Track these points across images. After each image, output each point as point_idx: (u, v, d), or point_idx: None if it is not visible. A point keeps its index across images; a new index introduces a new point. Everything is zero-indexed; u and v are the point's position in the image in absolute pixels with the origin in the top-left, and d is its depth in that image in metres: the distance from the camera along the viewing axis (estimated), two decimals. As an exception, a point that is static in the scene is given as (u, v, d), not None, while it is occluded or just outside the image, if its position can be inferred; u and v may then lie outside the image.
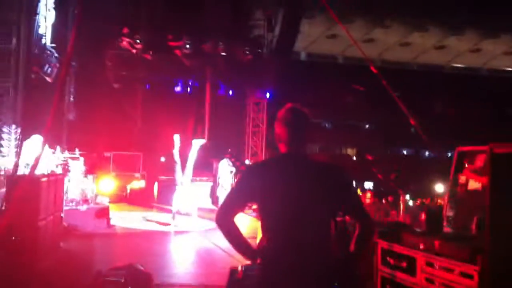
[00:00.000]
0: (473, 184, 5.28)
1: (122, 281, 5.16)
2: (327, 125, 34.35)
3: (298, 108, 3.10)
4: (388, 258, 5.28)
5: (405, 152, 35.23)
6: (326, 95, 28.72)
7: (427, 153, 32.50)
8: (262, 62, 21.62)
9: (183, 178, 12.82)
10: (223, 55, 20.31)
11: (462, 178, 5.53)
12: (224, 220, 3.04)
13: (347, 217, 3.25)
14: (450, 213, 5.38)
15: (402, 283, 5.04)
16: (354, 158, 32.76)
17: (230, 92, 22.69)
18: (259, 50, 21.48)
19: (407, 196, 14.37)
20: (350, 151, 35.18)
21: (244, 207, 3.36)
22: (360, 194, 16.45)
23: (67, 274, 7.68)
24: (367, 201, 16.56)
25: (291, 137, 3.05)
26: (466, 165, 5.49)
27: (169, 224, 12.76)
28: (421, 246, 4.86)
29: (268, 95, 22.80)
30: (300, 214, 2.89)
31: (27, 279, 6.73)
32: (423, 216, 7.65)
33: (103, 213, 12.41)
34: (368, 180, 24.39)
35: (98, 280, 5.21)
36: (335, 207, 3.08)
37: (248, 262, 3.35)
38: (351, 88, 31.05)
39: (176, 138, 12.79)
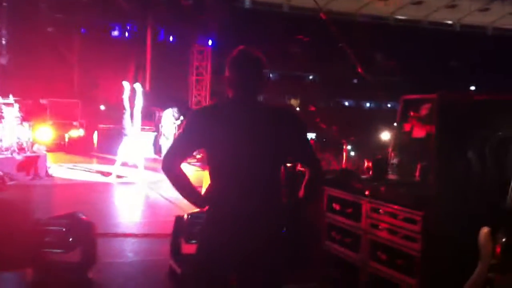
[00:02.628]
0: (418, 132, 5.36)
1: (63, 230, 4.98)
2: (271, 75, 34.24)
3: (250, 51, 2.97)
4: (334, 205, 5.35)
5: (346, 103, 35.88)
6: (271, 45, 28.43)
7: (368, 104, 33.20)
8: (204, 8, 20.97)
9: (132, 127, 12.31)
10: (163, -1, 19.53)
11: (407, 127, 5.60)
12: (171, 167, 2.91)
13: (297, 163, 3.21)
14: (395, 161, 5.47)
15: (347, 229, 5.13)
16: (298, 108, 33.01)
17: (171, 38, 21.99)
18: (202, -5, 20.78)
19: (349, 146, 14.66)
20: (294, 102, 35.40)
21: (192, 153, 3.25)
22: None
23: (4, 223, 7.38)
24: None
25: (243, 80, 2.92)
26: (411, 114, 5.55)
27: (111, 174, 12.43)
28: (367, 193, 4.94)
29: (210, 42, 22.27)
30: (250, 159, 2.80)
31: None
32: (366, 165, 7.81)
33: (28, 163, 11.66)
34: (310, 131, 24.70)
35: (37, 229, 5.00)
36: (286, 152, 3.00)
37: (195, 210, 3.26)
38: (295, 38, 30.96)
39: (126, 84, 12.18)
